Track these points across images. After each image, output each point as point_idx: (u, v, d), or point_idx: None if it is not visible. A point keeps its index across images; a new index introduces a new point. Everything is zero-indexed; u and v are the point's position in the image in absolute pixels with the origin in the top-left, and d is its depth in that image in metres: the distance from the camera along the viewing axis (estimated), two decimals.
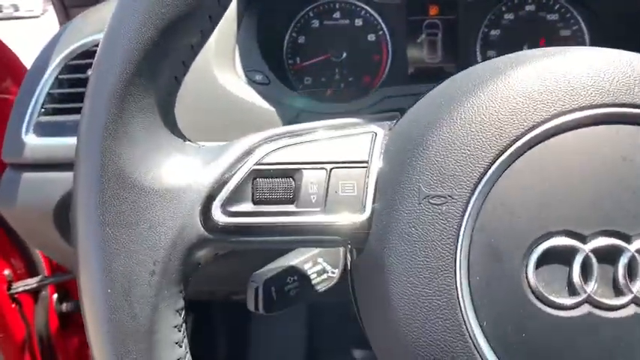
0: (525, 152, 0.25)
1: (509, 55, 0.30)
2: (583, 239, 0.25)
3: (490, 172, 0.25)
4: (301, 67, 0.73)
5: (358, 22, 0.73)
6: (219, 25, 0.58)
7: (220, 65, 0.56)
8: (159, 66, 0.27)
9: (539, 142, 0.25)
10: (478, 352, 0.25)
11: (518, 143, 0.25)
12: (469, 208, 0.25)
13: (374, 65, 0.73)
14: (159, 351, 0.27)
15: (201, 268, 0.30)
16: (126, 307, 0.27)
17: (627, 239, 0.25)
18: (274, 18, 0.70)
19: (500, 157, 0.25)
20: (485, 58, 0.72)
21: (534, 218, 0.25)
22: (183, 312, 0.29)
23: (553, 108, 0.25)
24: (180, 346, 0.28)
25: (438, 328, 0.25)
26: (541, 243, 0.25)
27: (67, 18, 0.78)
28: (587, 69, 0.26)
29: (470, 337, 0.25)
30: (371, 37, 0.73)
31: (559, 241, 0.25)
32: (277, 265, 0.44)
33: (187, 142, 0.31)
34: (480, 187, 0.25)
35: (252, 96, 0.55)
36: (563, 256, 0.25)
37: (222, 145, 0.30)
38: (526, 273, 0.25)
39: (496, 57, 0.79)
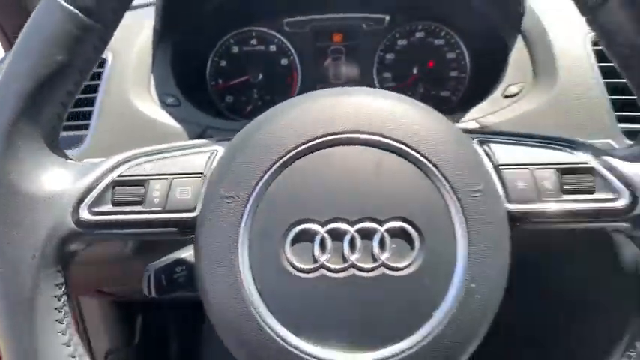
0: (285, 169, 0.36)
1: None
2: (321, 224, 0.35)
3: (262, 181, 0.36)
4: (223, 87, 0.83)
5: (272, 48, 0.83)
6: (135, 57, 0.68)
7: (136, 92, 0.65)
8: (41, 110, 0.37)
9: (293, 162, 0.36)
10: (254, 309, 0.35)
11: (279, 163, 0.36)
12: (249, 205, 0.35)
13: (286, 86, 0.83)
14: (40, 312, 0.37)
15: (77, 255, 0.39)
16: (15, 280, 0.36)
17: (350, 224, 0.35)
18: (197, 44, 0.80)
19: (268, 171, 0.36)
20: (381, 79, 0.82)
21: (290, 210, 0.35)
22: (64, 286, 0.38)
23: (299, 137, 0.36)
24: (60, 312, 0.38)
25: (225, 293, 0.35)
26: (294, 227, 0.35)
27: (10, 48, 0.87)
28: (321, 106, 0.37)
29: (248, 299, 0.35)
30: (283, 62, 0.83)
31: (305, 226, 0.35)
32: (169, 257, 0.54)
33: (69, 161, 0.40)
34: (256, 190, 0.35)
35: (163, 117, 0.64)
36: (309, 236, 0.35)
37: (95, 163, 0.40)
38: (284, 248, 0.36)
39: (390, 78, 0.88)
